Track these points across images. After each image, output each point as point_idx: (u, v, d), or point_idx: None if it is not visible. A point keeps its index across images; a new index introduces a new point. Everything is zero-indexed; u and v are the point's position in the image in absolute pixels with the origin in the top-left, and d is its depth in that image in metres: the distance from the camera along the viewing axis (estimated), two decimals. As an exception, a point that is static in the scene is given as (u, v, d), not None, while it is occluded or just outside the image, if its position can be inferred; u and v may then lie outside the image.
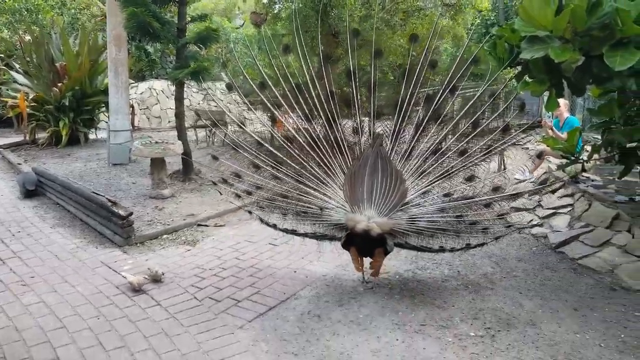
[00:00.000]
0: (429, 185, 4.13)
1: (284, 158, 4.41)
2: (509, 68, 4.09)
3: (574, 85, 3.91)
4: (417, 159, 4.18)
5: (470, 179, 4.23)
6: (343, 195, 4.05)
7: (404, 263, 4.68)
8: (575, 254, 5.18)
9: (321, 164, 4.30)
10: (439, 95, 4.29)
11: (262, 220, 4.62)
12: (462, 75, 4.27)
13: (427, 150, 4.18)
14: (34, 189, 7.18)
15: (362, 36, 4.78)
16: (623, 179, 5.52)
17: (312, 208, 4.20)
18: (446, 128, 4.23)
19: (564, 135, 7.02)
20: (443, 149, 4.17)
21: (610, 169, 7.19)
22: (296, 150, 4.39)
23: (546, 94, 4.10)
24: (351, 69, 4.40)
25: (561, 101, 7.89)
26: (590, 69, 3.64)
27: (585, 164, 6.16)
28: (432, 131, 4.27)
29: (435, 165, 4.16)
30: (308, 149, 4.35)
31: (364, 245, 3.95)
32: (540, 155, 7.55)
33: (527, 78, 4.05)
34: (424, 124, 4.27)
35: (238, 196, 4.68)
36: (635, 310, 3.99)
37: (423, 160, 4.17)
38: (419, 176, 4.15)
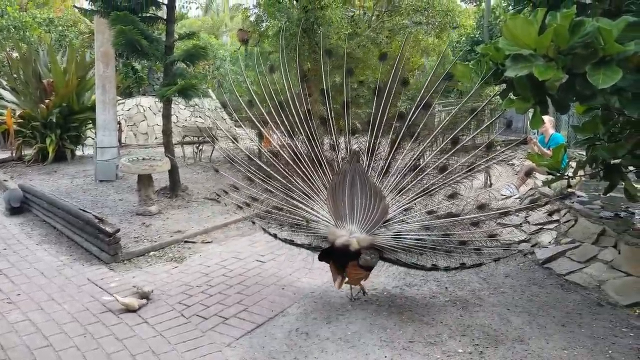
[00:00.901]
0: (410, 202, 4.13)
1: (272, 173, 4.47)
2: (493, 85, 4.16)
3: (558, 103, 3.97)
4: (395, 176, 4.18)
5: (452, 196, 4.19)
6: (327, 210, 4.12)
7: (393, 279, 4.67)
8: (562, 269, 5.21)
9: (305, 179, 4.37)
10: (411, 112, 4.27)
11: (264, 230, 4.77)
12: (435, 92, 4.28)
13: (405, 167, 4.19)
14: (20, 206, 7.09)
15: (334, 56, 4.85)
16: (608, 194, 5.58)
17: (301, 221, 4.28)
18: (423, 145, 4.22)
19: (550, 152, 7.12)
20: (422, 166, 4.17)
21: (595, 185, 7.29)
22: (282, 166, 4.46)
23: (531, 111, 4.17)
24: (324, 88, 4.48)
25: (546, 118, 8.01)
26: (573, 86, 3.70)
27: (570, 180, 6.24)
28: (407, 148, 4.27)
29: (414, 182, 4.16)
30: (292, 164, 4.41)
31: (345, 259, 3.95)
32: (529, 173, 7.63)
33: (512, 95, 4.12)
34: (398, 140, 4.27)
35: (240, 207, 4.77)
36: (622, 326, 4.01)
37: (402, 176, 4.17)
38: (399, 193, 4.16)
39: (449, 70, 4.27)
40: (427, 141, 4.22)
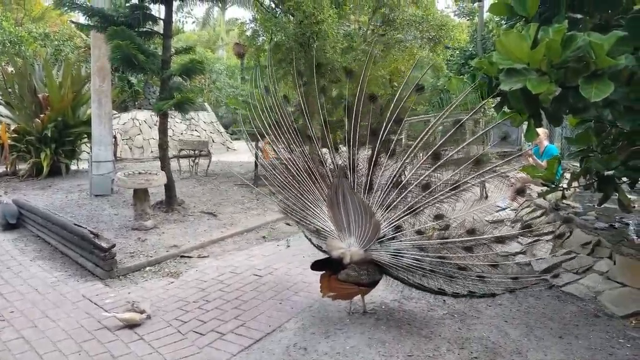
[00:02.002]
0: (398, 220, 4.09)
1: (286, 184, 4.62)
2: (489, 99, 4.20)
3: (551, 116, 4.01)
4: (379, 192, 4.17)
5: (438, 217, 4.07)
6: (330, 221, 4.20)
7: (390, 293, 4.67)
8: (559, 281, 5.22)
9: (309, 190, 4.48)
10: (382, 128, 4.26)
11: (304, 234, 4.88)
12: (404, 107, 4.28)
13: (387, 184, 4.15)
14: (15, 222, 7.05)
15: (305, 77, 4.94)
16: (603, 205, 5.62)
17: (317, 228, 4.39)
18: (400, 160, 4.18)
19: (544, 164, 7.17)
20: (404, 183, 4.12)
21: (590, 196, 7.34)
22: (290, 177, 4.58)
23: (526, 123, 4.20)
24: (302, 106, 4.62)
25: (540, 130, 8.08)
26: (566, 99, 3.75)
27: (565, 191, 6.28)
28: (384, 164, 4.25)
29: (399, 199, 4.11)
30: (298, 176, 4.53)
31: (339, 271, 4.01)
32: (521, 192, 7.63)
33: (506, 109, 4.17)
34: (374, 156, 4.25)
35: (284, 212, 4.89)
36: (619, 337, 4.02)
37: (386, 193, 4.15)
38: (387, 209, 4.13)
39: (419, 82, 4.30)
40: (405, 157, 4.17)
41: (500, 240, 4.03)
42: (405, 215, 4.08)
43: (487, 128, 4.36)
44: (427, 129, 4.22)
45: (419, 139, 4.18)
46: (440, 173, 4.05)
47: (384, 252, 4.03)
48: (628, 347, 3.85)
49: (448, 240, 3.96)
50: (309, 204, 4.50)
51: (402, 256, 3.99)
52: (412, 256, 3.97)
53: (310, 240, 4.74)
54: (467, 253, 3.98)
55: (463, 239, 3.94)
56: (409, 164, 4.15)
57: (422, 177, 4.07)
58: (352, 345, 3.78)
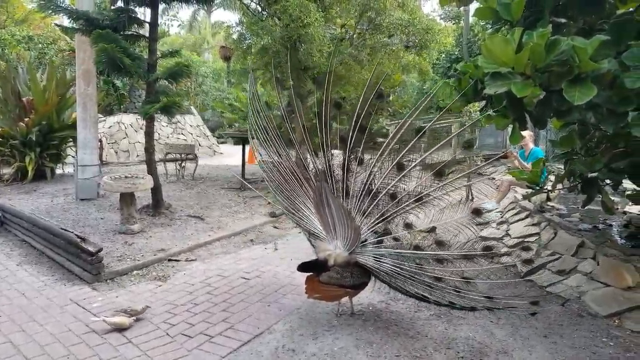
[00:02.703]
0: (374, 226, 4.15)
1: (281, 185, 4.65)
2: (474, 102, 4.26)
3: (535, 119, 4.08)
4: (355, 198, 4.22)
5: (408, 226, 4.15)
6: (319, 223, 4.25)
7: (378, 294, 4.70)
8: (543, 281, 5.30)
9: (297, 193, 4.53)
10: (349, 136, 4.32)
11: (305, 235, 4.82)
12: (367, 114, 4.32)
13: (360, 190, 4.21)
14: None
15: (292, 80, 4.97)
16: (587, 207, 5.71)
17: (309, 230, 4.44)
18: (368, 168, 4.24)
19: (529, 166, 7.26)
20: (374, 190, 4.17)
21: (574, 198, 7.46)
22: (281, 180, 4.63)
23: (511, 126, 4.27)
24: (282, 111, 4.70)
25: (526, 133, 8.19)
26: (550, 103, 3.82)
27: (550, 193, 6.37)
28: (355, 171, 4.30)
29: (372, 206, 4.16)
30: (286, 179, 4.58)
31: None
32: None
33: (491, 112, 4.23)
34: (345, 163, 4.32)
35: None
36: (602, 336, 4.09)
37: (360, 199, 4.20)
38: (364, 215, 4.19)
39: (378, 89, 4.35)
40: (372, 165, 4.23)
41: (467, 257, 4.02)
42: (379, 223, 4.14)
43: (450, 136, 4.37)
44: (389, 138, 4.27)
45: (383, 147, 4.23)
46: (405, 183, 4.12)
47: (367, 256, 4.09)
48: (611, 346, 3.92)
49: (420, 251, 4.03)
50: (300, 206, 4.54)
51: (383, 261, 4.04)
52: (392, 262, 4.01)
53: (310, 242, 4.75)
54: (439, 265, 4.03)
55: (432, 252, 4.02)
56: (377, 173, 4.20)
57: (388, 187, 4.14)
58: (340, 347, 3.81)
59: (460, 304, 4.02)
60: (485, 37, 3.68)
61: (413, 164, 4.09)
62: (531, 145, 8.29)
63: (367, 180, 4.19)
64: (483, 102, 4.46)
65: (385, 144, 4.24)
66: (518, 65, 3.50)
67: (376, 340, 3.92)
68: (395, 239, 4.13)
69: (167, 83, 7.84)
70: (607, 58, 3.44)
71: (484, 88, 3.72)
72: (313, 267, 4.16)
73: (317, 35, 8.42)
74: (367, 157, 4.37)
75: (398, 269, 3.98)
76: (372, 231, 4.17)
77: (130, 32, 7.74)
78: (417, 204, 4.05)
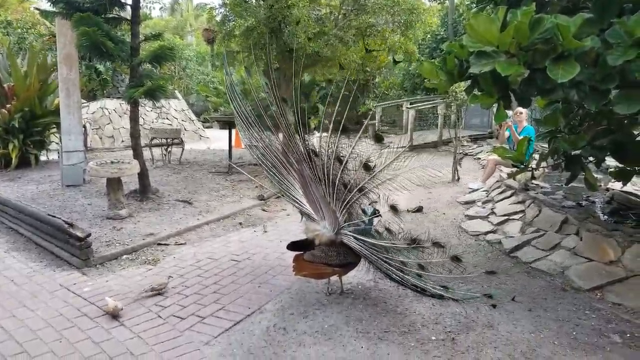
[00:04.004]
0: (343, 211, 4.24)
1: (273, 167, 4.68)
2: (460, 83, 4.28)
3: (520, 97, 4.13)
4: (323, 184, 4.27)
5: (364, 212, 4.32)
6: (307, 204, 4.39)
7: (367, 273, 4.75)
8: (528, 258, 5.41)
9: (285, 176, 4.61)
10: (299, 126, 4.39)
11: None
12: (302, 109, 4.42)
13: (324, 178, 4.27)
14: None
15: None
16: (570, 185, 5.81)
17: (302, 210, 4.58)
18: (321, 159, 4.31)
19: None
20: (332, 179, 4.25)
21: (558, 177, 7.58)
22: (271, 162, 4.66)
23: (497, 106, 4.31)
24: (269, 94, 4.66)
25: (523, 110, 8.26)
26: (535, 81, 3.86)
27: (534, 172, 6.47)
28: (315, 160, 4.36)
29: (334, 193, 4.24)
30: (276, 161, 4.61)
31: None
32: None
33: (476, 91, 4.26)
34: (307, 153, 4.36)
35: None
36: (585, 309, 4.21)
37: (327, 186, 4.27)
38: (334, 200, 4.26)
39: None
40: (322, 155, 4.32)
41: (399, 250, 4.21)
42: (344, 208, 4.24)
43: (365, 123, 4.48)
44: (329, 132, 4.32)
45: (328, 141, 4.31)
46: (348, 175, 4.24)
47: (351, 237, 4.19)
48: (594, 318, 4.04)
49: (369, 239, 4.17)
50: (291, 188, 4.61)
51: (362, 243, 4.15)
52: (369, 244, 4.15)
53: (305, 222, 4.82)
54: (387, 254, 4.19)
55: (383, 241, 4.20)
56: (327, 163, 4.28)
57: (339, 176, 4.24)
58: (331, 324, 3.88)
59: (431, 291, 4.24)
60: (470, 16, 3.69)
61: (345, 159, 4.24)
62: (525, 124, 8.35)
63: (321, 169, 4.29)
64: (469, 82, 4.48)
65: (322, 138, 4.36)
66: (502, 43, 3.53)
67: (365, 317, 4.00)
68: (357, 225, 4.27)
69: (150, 67, 7.72)
70: (591, 36, 3.48)
71: (469, 67, 3.75)
72: (302, 246, 4.32)
73: (302, 16, 8.35)
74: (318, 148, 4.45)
75: (375, 251, 4.13)
76: (344, 216, 4.28)
77: (112, 15, 7.61)
78: (360, 194, 4.20)
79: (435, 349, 3.51)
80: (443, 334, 3.73)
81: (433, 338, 3.67)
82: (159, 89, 6.95)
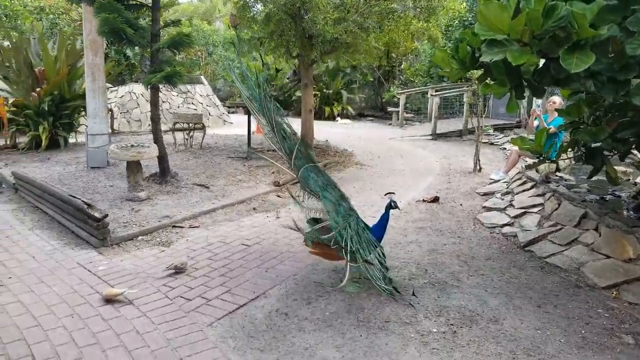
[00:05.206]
0: None
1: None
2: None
3: (533, 87, 4.02)
4: None
5: None
6: None
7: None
8: (543, 252, 5.30)
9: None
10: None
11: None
12: None
13: None
14: None
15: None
16: (595, 178, 5.65)
17: None
18: None
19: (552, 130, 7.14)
20: None
21: (585, 169, 7.36)
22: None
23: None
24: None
25: (557, 99, 8.02)
26: (549, 71, 3.75)
27: (558, 163, 6.31)
28: None
29: None
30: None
31: None
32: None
33: (489, 80, 4.17)
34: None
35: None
36: (598, 307, 4.10)
37: None
38: None
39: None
40: None
41: None
42: None
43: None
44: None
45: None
46: None
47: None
48: (606, 317, 3.93)
49: None
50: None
51: None
52: None
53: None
54: None
55: None
56: None
57: None
58: (332, 311, 3.89)
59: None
60: (481, 3, 3.59)
61: None
62: (556, 114, 8.08)
63: None
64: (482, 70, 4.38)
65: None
66: (514, 32, 3.43)
67: (368, 306, 3.99)
68: None
69: (170, 53, 7.79)
70: (610, 24, 3.35)
71: (482, 56, 3.66)
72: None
73: (320, 2, 8.27)
74: None
75: None
76: None
77: (133, 2, 7.69)
78: None
79: (434, 341, 3.48)
80: (445, 326, 3.70)
81: (434, 330, 3.64)
82: (176, 75, 7.00)
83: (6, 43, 13.09)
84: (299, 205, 4.55)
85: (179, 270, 4.63)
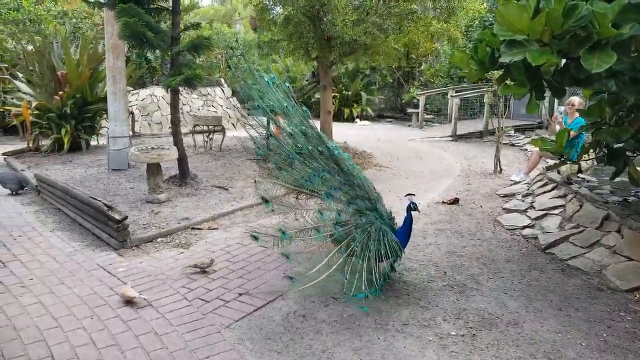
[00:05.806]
0: None
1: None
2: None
3: (554, 87, 3.97)
4: None
5: None
6: None
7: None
8: (565, 254, 5.22)
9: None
10: None
11: None
12: None
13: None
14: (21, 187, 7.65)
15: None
16: (617, 179, 5.55)
17: None
18: None
19: (573, 133, 7.01)
20: None
21: (608, 170, 7.22)
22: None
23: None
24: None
25: (577, 100, 7.89)
26: (569, 71, 3.69)
27: (580, 164, 6.20)
28: None
29: None
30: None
31: None
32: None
33: (508, 81, 4.12)
34: None
35: None
36: (620, 310, 4.03)
37: None
38: None
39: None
40: None
41: None
42: None
43: None
44: None
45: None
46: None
47: None
48: (628, 320, 3.87)
49: None
50: None
51: None
52: None
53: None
54: None
55: None
56: None
57: None
58: (350, 314, 3.88)
59: None
60: (500, 3, 3.56)
61: None
62: (577, 115, 7.92)
63: None
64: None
65: None
66: (533, 32, 3.39)
67: (386, 308, 3.98)
68: None
69: (190, 56, 7.87)
70: (632, 23, 3.28)
71: (501, 56, 3.63)
72: None
73: (339, 4, 8.27)
74: None
75: None
76: None
77: (154, 6, 7.79)
78: None
79: (453, 344, 3.46)
80: (464, 329, 3.67)
81: (453, 333, 3.61)
82: (196, 78, 7.08)
83: (30, 47, 13.35)
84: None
85: (202, 270, 4.69)
